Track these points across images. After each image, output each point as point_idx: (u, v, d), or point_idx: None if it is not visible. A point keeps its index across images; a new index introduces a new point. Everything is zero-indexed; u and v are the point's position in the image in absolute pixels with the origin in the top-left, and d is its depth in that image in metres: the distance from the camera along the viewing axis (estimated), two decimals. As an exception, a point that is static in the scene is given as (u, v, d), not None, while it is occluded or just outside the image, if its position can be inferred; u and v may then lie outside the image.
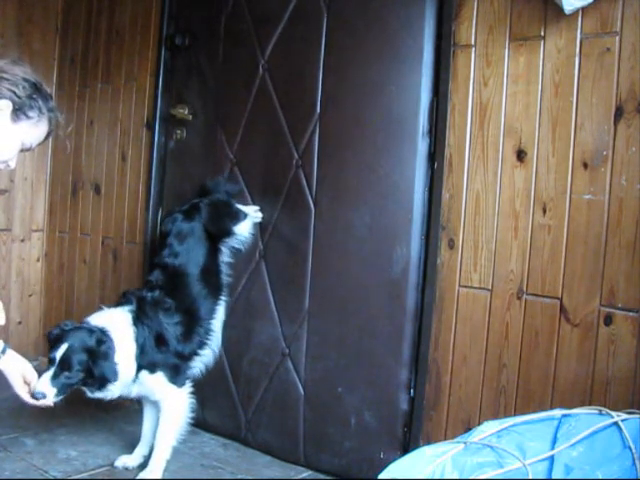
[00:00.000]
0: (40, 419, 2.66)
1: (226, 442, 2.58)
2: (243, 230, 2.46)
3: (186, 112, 2.74)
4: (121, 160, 3.09)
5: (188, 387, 2.27)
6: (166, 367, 2.20)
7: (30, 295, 3.45)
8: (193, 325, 2.29)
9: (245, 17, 2.56)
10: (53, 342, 2.04)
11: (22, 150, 1.83)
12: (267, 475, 2.31)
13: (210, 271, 2.39)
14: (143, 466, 2.26)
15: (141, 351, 2.13)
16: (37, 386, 1.89)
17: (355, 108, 2.27)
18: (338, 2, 2.31)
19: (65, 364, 1.97)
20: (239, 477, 2.28)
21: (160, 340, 2.20)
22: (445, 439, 1.94)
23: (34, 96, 1.76)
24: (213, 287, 2.39)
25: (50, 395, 1.92)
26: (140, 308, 2.21)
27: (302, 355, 2.38)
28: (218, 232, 2.42)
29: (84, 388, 2.07)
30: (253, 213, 2.49)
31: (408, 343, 2.17)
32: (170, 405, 2.22)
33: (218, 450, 2.51)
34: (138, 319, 2.17)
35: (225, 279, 2.46)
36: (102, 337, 2.05)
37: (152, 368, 2.17)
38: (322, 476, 2.32)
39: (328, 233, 2.33)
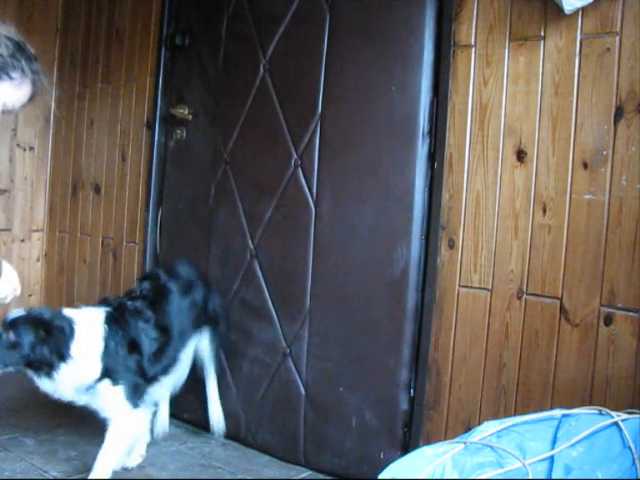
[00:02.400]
0: (40, 419, 2.66)
1: (226, 442, 2.58)
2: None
3: (186, 112, 2.74)
4: (121, 160, 3.09)
5: (142, 410, 2.14)
6: (127, 382, 2.09)
7: (30, 295, 3.44)
8: (165, 346, 2.22)
9: (247, 17, 2.55)
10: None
11: (4, 112, 1.76)
12: (267, 475, 2.31)
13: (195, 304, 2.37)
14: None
15: (108, 353, 2.04)
16: None
17: (356, 108, 2.27)
18: (340, 2, 2.31)
19: (11, 327, 1.94)
20: (239, 477, 2.28)
21: (133, 347, 2.12)
22: (445, 439, 1.94)
23: (17, 56, 1.70)
24: (195, 318, 2.36)
25: None
26: (118, 312, 2.14)
27: (303, 355, 2.38)
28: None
29: (30, 372, 2.00)
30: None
31: (408, 343, 2.17)
32: (120, 425, 2.08)
33: (218, 450, 2.51)
34: (112, 320, 2.10)
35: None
36: (60, 321, 1.98)
37: (115, 379, 2.06)
38: (322, 476, 2.32)
39: (329, 233, 2.33)
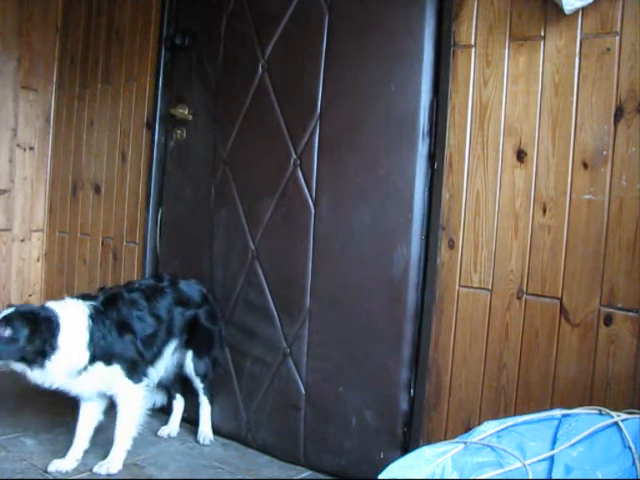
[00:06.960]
0: (40, 419, 2.66)
1: (226, 442, 2.58)
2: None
3: (186, 112, 2.74)
4: (121, 160, 3.09)
5: (144, 384, 2.28)
6: (124, 360, 2.21)
7: (30, 295, 3.45)
8: (157, 332, 2.35)
9: (246, 17, 2.56)
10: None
11: None
12: (267, 475, 2.31)
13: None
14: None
15: (95, 340, 2.13)
16: None
17: (355, 108, 2.27)
18: (339, 2, 2.31)
19: (6, 323, 2.02)
20: (239, 477, 2.28)
21: (125, 328, 2.23)
22: (445, 439, 1.94)
23: None
24: (180, 326, 2.47)
25: None
26: (110, 301, 2.25)
27: (303, 355, 2.38)
28: None
29: (22, 366, 2.06)
30: None
31: (408, 343, 2.17)
32: (127, 402, 2.23)
33: (218, 450, 2.51)
34: (97, 312, 2.18)
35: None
36: (47, 313, 2.09)
37: (109, 360, 2.17)
38: (322, 476, 2.32)
39: (328, 233, 2.33)
